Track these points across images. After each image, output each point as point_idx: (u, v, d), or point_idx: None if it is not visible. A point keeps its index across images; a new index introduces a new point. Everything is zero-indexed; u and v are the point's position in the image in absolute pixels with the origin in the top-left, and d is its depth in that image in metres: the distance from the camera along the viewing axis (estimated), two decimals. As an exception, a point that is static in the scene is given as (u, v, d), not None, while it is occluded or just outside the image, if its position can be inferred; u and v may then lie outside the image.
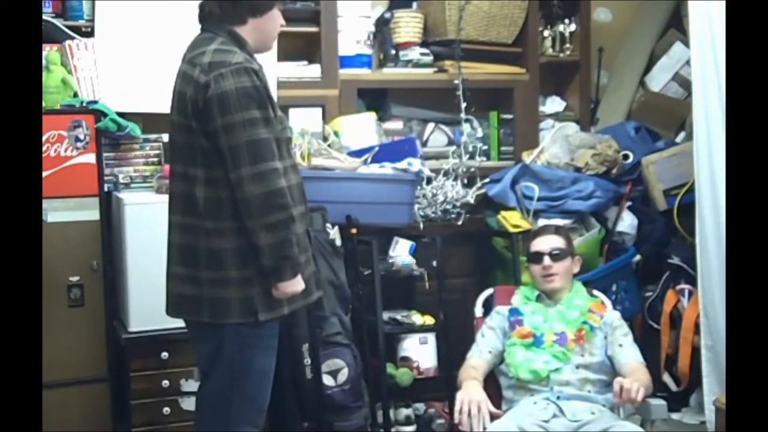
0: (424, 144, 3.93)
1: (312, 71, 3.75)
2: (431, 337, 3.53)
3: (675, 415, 3.69)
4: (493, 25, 4.00)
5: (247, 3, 2.37)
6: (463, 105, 3.85)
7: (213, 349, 2.37)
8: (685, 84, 4.29)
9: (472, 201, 3.80)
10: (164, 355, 3.06)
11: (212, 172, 2.28)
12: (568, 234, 3.18)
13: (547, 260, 2.99)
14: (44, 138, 2.99)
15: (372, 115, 3.81)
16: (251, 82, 2.24)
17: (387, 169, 3.51)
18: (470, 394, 2.77)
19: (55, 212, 3.02)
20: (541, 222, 3.65)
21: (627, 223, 3.91)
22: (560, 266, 2.99)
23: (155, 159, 3.35)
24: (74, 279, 3.07)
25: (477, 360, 2.97)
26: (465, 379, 2.87)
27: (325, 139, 3.57)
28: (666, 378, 3.78)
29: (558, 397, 2.80)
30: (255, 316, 2.29)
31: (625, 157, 3.98)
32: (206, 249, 2.30)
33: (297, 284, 2.33)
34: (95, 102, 3.18)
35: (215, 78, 2.22)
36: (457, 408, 2.75)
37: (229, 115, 2.21)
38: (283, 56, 3.59)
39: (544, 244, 3.04)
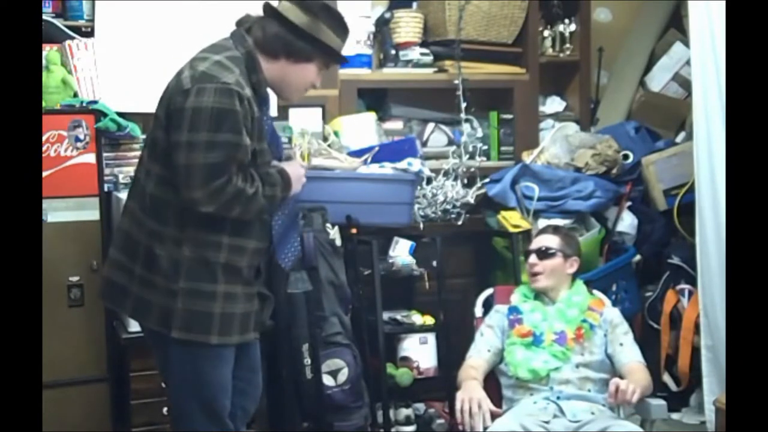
0: (424, 144, 3.93)
1: (312, 71, 3.74)
2: (431, 337, 3.53)
3: (675, 415, 3.69)
4: (493, 25, 4.00)
5: (286, 42, 2.29)
6: (463, 105, 3.85)
7: (163, 358, 2.35)
8: (685, 84, 4.29)
9: (472, 201, 3.80)
10: (164, 355, 3.05)
11: (166, 172, 2.23)
12: (569, 235, 3.18)
13: (532, 258, 3.02)
14: (44, 138, 2.99)
15: (372, 115, 3.81)
16: (231, 105, 2.15)
17: (387, 169, 3.51)
18: (470, 392, 2.77)
19: (55, 212, 3.01)
20: (541, 222, 3.66)
21: (627, 223, 3.91)
22: (546, 264, 3.00)
23: (155, 159, 3.34)
24: (74, 279, 3.06)
25: (476, 360, 2.97)
26: (465, 379, 2.88)
27: (325, 139, 3.57)
28: (666, 378, 3.79)
29: (558, 397, 2.80)
30: (169, 330, 2.23)
31: (625, 157, 3.99)
32: (145, 247, 2.26)
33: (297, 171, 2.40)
34: (95, 102, 3.18)
35: (198, 90, 2.15)
36: (457, 407, 2.75)
37: (196, 132, 2.13)
38: (283, 56, 3.59)
39: (536, 243, 3.08)
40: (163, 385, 2.93)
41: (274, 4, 2.33)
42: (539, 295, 3.03)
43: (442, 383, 3.48)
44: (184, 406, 2.33)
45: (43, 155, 2.98)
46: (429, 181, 3.74)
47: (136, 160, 3.25)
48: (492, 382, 2.97)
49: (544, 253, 3.01)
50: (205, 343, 2.24)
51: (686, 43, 4.06)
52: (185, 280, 2.22)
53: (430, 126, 4.01)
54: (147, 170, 2.28)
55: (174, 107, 2.18)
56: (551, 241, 3.05)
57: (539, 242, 3.07)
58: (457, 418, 2.77)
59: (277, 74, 2.32)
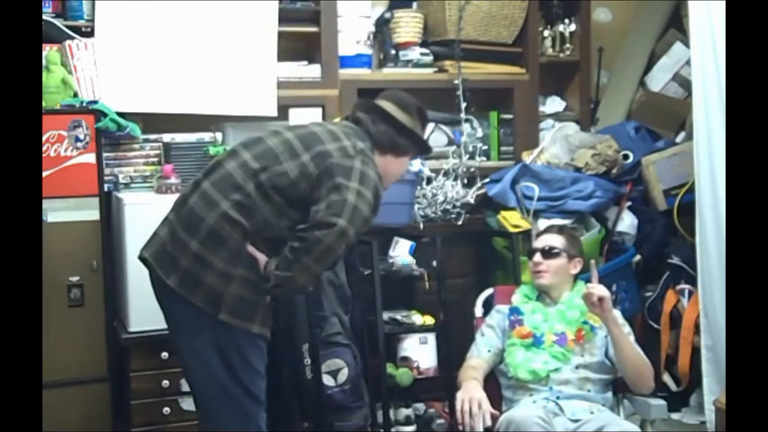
0: (424, 144, 3.92)
1: (312, 71, 3.75)
2: (431, 337, 3.53)
3: (675, 415, 3.69)
4: (493, 25, 4.00)
5: (394, 140, 2.57)
6: (463, 105, 3.85)
7: (202, 338, 2.37)
8: (685, 84, 4.29)
9: (472, 201, 3.80)
10: (164, 355, 3.05)
11: (273, 191, 2.36)
12: (574, 235, 3.17)
13: (537, 257, 3.01)
14: (44, 138, 2.99)
15: (372, 115, 3.80)
16: (380, 192, 2.42)
17: (387, 169, 3.50)
18: (470, 392, 2.77)
19: (55, 212, 3.01)
20: (541, 222, 3.66)
21: (627, 223, 3.91)
22: (551, 264, 2.99)
23: (155, 159, 3.34)
24: (74, 279, 3.06)
25: (476, 360, 2.97)
26: (464, 379, 2.88)
27: (325, 139, 3.57)
28: (666, 378, 3.78)
29: (558, 397, 2.80)
30: (216, 311, 2.32)
31: (625, 157, 3.99)
32: (210, 226, 2.34)
33: None
34: (95, 102, 3.18)
35: (363, 160, 2.40)
36: (457, 407, 2.75)
37: (365, 188, 2.34)
38: (283, 56, 3.60)
39: (541, 242, 3.07)
40: (182, 371, 2.91)
41: (381, 104, 2.62)
42: (540, 295, 3.03)
43: (442, 383, 3.48)
44: (227, 386, 2.38)
45: (43, 155, 2.98)
46: (429, 181, 3.74)
47: (136, 160, 3.31)
48: (492, 383, 2.97)
49: (548, 253, 3.00)
50: (248, 330, 2.36)
51: (686, 43, 4.06)
52: (245, 268, 2.34)
53: (430, 126, 4.00)
54: (250, 171, 2.39)
55: (337, 162, 2.37)
56: (556, 240, 3.04)
57: (544, 241, 3.06)
58: (457, 418, 2.77)
59: (383, 167, 2.54)
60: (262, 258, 2.38)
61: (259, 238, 2.38)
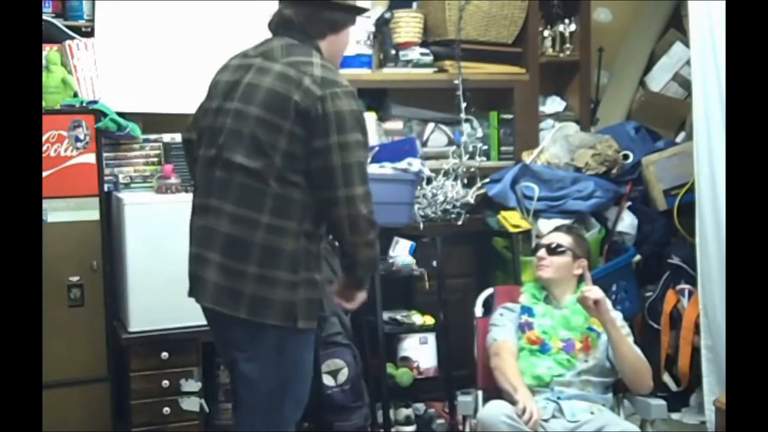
0: (424, 144, 3.93)
1: (312, 71, 3.74)
2: (431, 337, 3.53)
3: (675, 415, 3.69)
4: (493, 25, 4.00)
5: (330, 18, 2.42)
6: (463, 105, 3.85)
7: (264, 351, 2.31)
8: (685, 84, 4.29)
9: (472, 201, 3.80)
10: (164, 355, 3.06)
11: (290, 174, 2.27)
12: (581, 236, 3.18)
13: (542, 252, 3.04)
14: (44, 138, 2.99)
15: (372, 115, 3.80)
16: (358, 107, 2.32)
17: (387, 169, 3.51)
18: (531, 402, 2.69)
19: (55, 212, 3.01)
20: (541, 222, 3.66)
21: (627, 223, 3.91)
22: (554, 260, 3.01)
23: (155, 159, 3.34)
24: (74, 279, 3.06)
25: (510, 342, 2.92)
26: (516, 380, 2.80)
27: (325, 139, 3.57)
28: (666, 378, 3.79)
29: (558, 397, 2.81)
30: (294, 322, 2.27)
31: (625, 157, 3.98)
32: (261, 245, 2.26)
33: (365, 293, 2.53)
34: (95, 102, 3.18)
35: (331, 95, 2.25)
36: (519, 410, 2.66)
37: (345, 134, 2.25)
38: (283, 56, 3.59)
39: (548, 239, 3.10)
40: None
41: None
42: (548, 296, 3.03)
43: (442, 383, 3.48)
44: (283, 394, 2.35)
45: (43, 155, 2.98)
46: (429, 181, 3.74)
47: (136, 160, 3.31)
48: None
49: (554, 250, 3.02)
50: (314, 329, 2.37)
51: (686, 43, 4.06)
52: (304, 270, 2.31)
53: (430, 126, 4.01)
54: (255, 172, 2.26)
55: (314, 114, 2.24)
56: (563, 239, 3.06)
57: (551, 238, 3.09)
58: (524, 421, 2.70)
59: (327, 50, 2.43)
60: (342, 282, 2.46)
61: (311, 228, 2.31)
